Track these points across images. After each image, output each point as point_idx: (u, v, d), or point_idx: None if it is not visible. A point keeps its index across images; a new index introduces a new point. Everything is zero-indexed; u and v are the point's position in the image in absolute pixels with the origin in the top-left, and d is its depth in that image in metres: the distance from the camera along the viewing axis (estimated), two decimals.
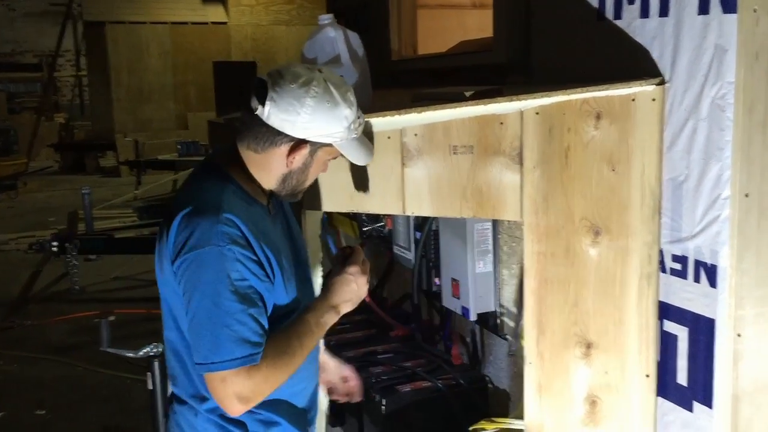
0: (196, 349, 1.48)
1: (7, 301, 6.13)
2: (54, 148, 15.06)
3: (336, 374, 2.00)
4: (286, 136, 1.55)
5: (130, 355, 2.43)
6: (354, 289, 1.68)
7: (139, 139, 12.30)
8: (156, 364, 2.41)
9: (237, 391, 1.45)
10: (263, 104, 1.52)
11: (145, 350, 2.41)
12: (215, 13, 14.35)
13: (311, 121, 1.54)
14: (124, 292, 6.44)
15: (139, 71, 14.08)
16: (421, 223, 2.56)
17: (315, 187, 2.05)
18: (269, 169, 1.60)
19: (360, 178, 1.98)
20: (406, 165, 1.93)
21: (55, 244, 6.07)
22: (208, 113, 13.39)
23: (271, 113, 1.52)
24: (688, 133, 1.57)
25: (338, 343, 2.57)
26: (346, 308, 1.68)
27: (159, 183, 10.41)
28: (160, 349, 2.42)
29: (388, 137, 1.94)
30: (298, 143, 1.57)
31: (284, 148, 1.57)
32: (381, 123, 1.93)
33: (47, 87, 15.87)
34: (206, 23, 14.34)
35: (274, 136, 1.55)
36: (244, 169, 1.60)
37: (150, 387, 2.44)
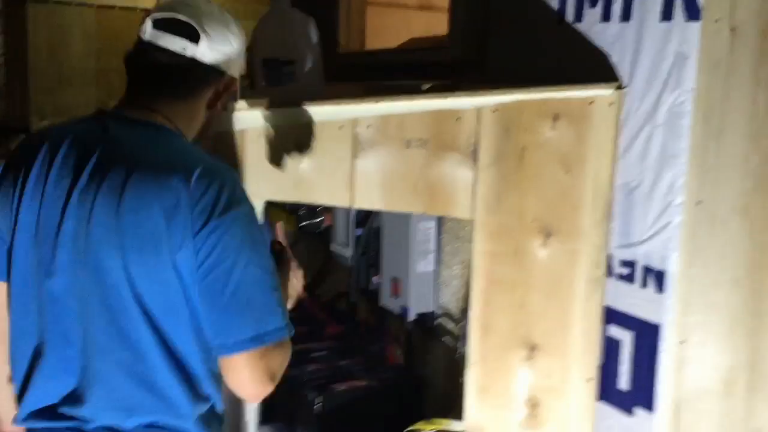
0: (236, 324, 1.24)
1: None
2: None
3: None
4: (220, 72, 1.40)
5: None
6: (294, 284, 1.55)
7: (57, 123, 11.80)
8: None
9: (271, 366, 1.27)
10: (197, 41, 1.35)
11: None
12: None
13: (239, 52, 1.43)
14: None
15: (61, 54, 13.54)
16: (363, 219, 2.51)
17: (256, 173, 1.98)
18: (197, 117, 1.43)
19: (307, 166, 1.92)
20: (357, 156, 1.88)
21: None
22: None
23: (208, 49, 1.36)
24: (644, 138, 1.58)
25: None
26: (289, 305, 1.51)
27: None
28: None
29: (340, 127, 1.88)
30: (228, 80, 1.43)
31: (213, 88, 1.42)
32: (334, 112, 1.88)
33: None
34: (135, 8, 13.93)
35: (207, 75, 1.39)
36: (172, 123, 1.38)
37: None
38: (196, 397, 1.32)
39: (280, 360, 1.30)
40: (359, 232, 2.51)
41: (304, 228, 2.82)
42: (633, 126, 1.60)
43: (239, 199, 1.28)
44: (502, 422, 1.78)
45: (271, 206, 2.69)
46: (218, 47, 1.38)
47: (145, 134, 1.35)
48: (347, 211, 2.55)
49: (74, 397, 1.31)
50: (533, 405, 1.76)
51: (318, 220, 2.78)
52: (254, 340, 1.24)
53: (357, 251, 2.51)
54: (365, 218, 2.48)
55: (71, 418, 1.31)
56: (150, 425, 1.31)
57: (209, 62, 1.38)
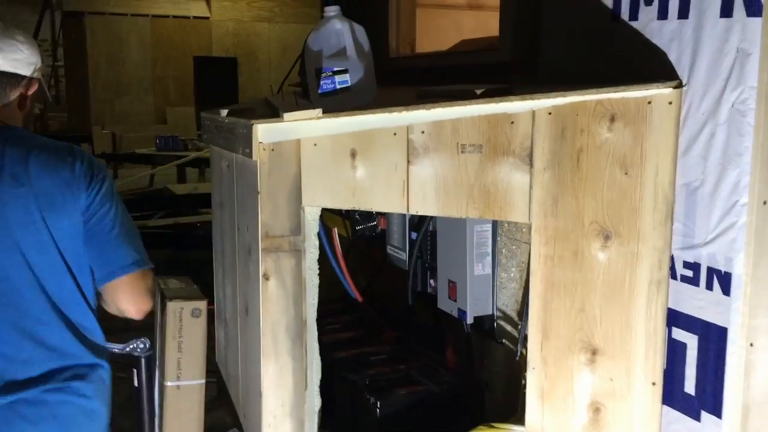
0: (120, 254, 1.77)
1: None
2: None
3: None
4: (21, 76, 1.75)
5: (116, 350, 2.35)
6: None
7: (116, 131, 12.12)
8: (143, 361, 2.33)
9: (149, 285, 1.83)
10: None
11: (131, 345, 2.32)
12: (197, 8, 14.22)
13: (29, 56, 1.76)
14: None
15: (118, 63, 13.88)
16: (418, 223, 2.52)
17: (313, 182, 2.00)
18: (17, 117, 1.79)
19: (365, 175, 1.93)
20: (411, 163, 1.88)
21: None
22: (187, 108, 13.30)
23: (2, 60, 1.70)
24: (706, 137, 1.54)
25: (328, 342, 2.52)
26: None
27: (136, 177, 10.24)
28: (148, 344, 2.34)
29: (394, 134, 1.89)
30: (29, 81, 1.78)
31: (22, 90, 1.76)
32: (387, 119, 1.89)
33: None
34: (188, 17, 14.19)
35: (9, 81, 1.73)
36: None
37: (136, 384, 2.36)
38: (85, 343, 1.80)
39: (151, 282, 1.86)
40: (414, 235, 2.51)
41: (360, 232, 2.84)
42: (694, 125, 1.57)
43: (99, 164, 1.81)
44: (563, 427, 1.77)
45: (326, 211, 2.73)
46: (10, 56, 1.72)
47: (8, 133, 1.73)
48: (402, 215, 2.55)
49: None
50: (595, 410, 1.74)
51: (373, 223, 2.80)
52: (135, 264, 1.80)
53: (413, 255, 2.51)
54: (420, 221, 2.49)
55: None
56: (44, 375, 1.71)
57: (7, 70, 1.73)
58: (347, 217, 2.86)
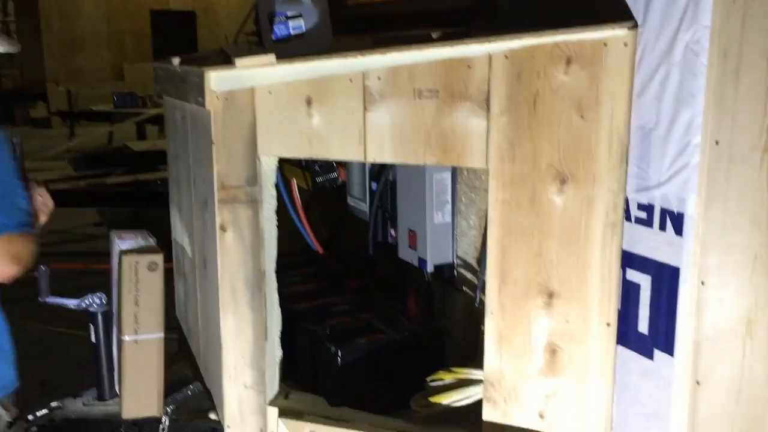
0: None
1: None
2: None
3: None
4: None
5: (72, 306, 2.32)
6: (41, 200, 1.89)
7: (71, 89, 11.79)
8: (99, 317, 2.31)
9: (16, 251, 1.63)
10: None
11: (87, 300, 2.30)
12: None
13: None
14: (60, 246, 6.20)
15: (72, 17, 13.43)
16: (378, 173, 2.50)
17: (268, 131, 1.97)
18: None
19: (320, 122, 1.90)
20: (368, 109, 1.86)
21: None
22: (145, 64, 12.94)
23: None
24: (660, 79, 1.54)
25: (290, 294, 2.51)
26: (44, 219, 1.89)
27: (94, 135, 10.02)
28: (104, 300, 2.31)
29: (350, 80, 1.86)
30: None
31: None
32: (343, 65, 1.86)
33: None
34: None
35: None
36: None
37: (93, 340, 2.34)
38: None
39: (24, 247, 1.66)
40: (375, 185, 2.50)
41: (320, 184, 2.81)
42: (648, 66, 1.56)
43: None
44: (521, 370, 1.79)
45: (285, 163, 2.69)
46: None
47: None
48: (362, 165, 2.53)
49: None
50: (552, 352, 1.77)
51: (333, 175, 2.77)
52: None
53: (373, 205, 2.50)
54: (380, 171, 2.47)
55: None
56: None
57: None
58: (307, 169, 2.83)
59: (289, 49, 1.91)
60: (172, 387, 2.38)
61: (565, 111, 1.66)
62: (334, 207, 2.88)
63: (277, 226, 2.10)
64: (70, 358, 3.91)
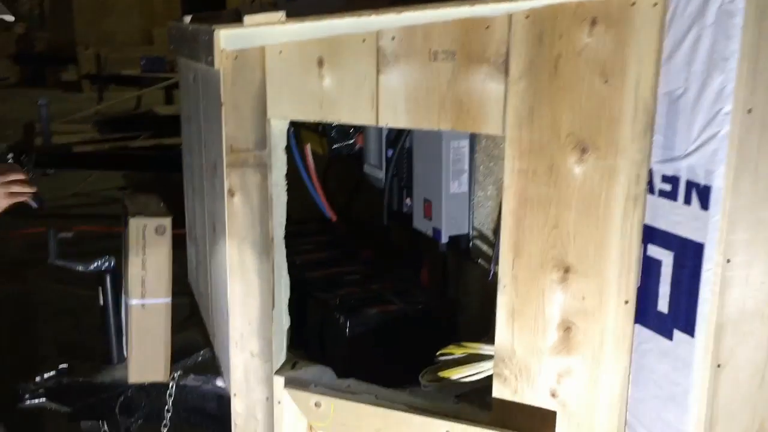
0: None
1: None
2: (12, 60, 14.43)
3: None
4: None
5: (80, 268, 2.29)
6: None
7: (101, 52, 11.81)
8: (108, 278, 2.28)
9: None
10: None
11: (96, 263, 2.27)
12: None
13: None
14: (84, 209, 6.24)
15: None
16: (394, 140, 2.42)
17: (278, 92, 1.90)
18: None
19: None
20: (381, 71, 1.78)
21: (10, 156, 5.80)
22: None
23: None
24: (691, 42, 1.43)
25: (302, 263, 2.46)
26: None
27: (122, 99, 10.04)
28: (113, 263, 2.29)
29: (363, 40, 1.78)
30: None
31: None
32: (355, 24, 1.78)
33: None
34: None
35: None
36: None
37: (101, 303, 2.31)
38: None
39: None
40: (390, 152, 2.42)
41: (336, 150, 2.75)
42: (679, 28, 1.46)
43: None
44: (533, 346, 1.72)
45: (301, 128, 2.63)
46: None
47: None
48: (379, 131, 2.46)
49: None
50: (566, 329, 1.69)
51: (350, 141, 2.70)
52: None
53: (389, 173, 2.43)
54: (397, 138, 2.39)
55: None
56: None
57: None
58: (323, 134, 2.76)
59: (302, 8, 1.83)
60: (180, 352, 2.36)
61: (588, 75, 1.56)
62: (350, 174, 2.82)
63: (291, 193, 2.04)
64: (85, 318, 3.94)
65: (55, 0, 14.20)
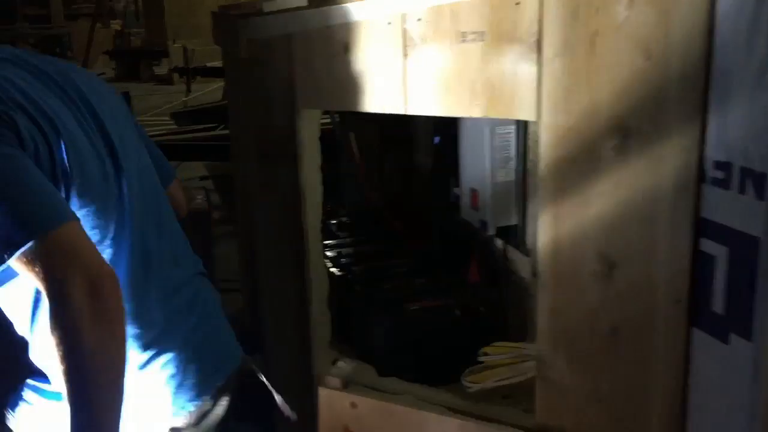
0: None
1: None
2: (109, 56, 15.05)
3: None
4: None
5: None
6: None
7: (188, 45, 12.11)
8: None
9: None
10: None
11: None
12: None
13: None
14: None
15: None
16: (442, 127, 2.32)
17: (308, 81, 1.83)
18: None
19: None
20: (408, 56, 1.68)
21: None
22: None
23: None
24: (750, 10, 1.26)
25: (347, 255, 2.39)
26: None
27: (207, 91, 10.27)
28: None
29: (389, 23, 1.68)
30: None
31: None
32: (380, 5, 1.68)
33: None
34: None
35: None
36: None
37: None
38: None
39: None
40: (437, 140, 2.32)
41: (389, 139, 2.66)
42: None
43: None
44: (576, 348, 1.59)
45: (351, 116, 2.55)
46: None
47: None
48: (428, 118, 2.35)
49: None
50: (612, 330, 1.55)
51: (402, 130, 2.61)
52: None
53: (435, 161, 2.33)
54: (444, 124, 2.28)
55: None
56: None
57: None
58: (375, 121, 2.68)
59: None
60: None
61: (628, 53, 1.41)
62: (403, 163, 2.72)
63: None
64: None
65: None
